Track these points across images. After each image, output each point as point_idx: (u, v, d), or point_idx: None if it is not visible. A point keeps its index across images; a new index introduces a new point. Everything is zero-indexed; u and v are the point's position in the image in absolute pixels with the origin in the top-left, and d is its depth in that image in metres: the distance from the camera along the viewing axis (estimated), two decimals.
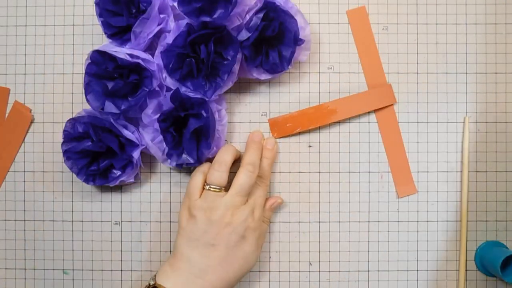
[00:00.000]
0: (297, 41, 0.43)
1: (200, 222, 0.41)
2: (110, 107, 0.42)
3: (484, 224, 0.47)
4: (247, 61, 0.43)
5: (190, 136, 0.42)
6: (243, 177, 0.42)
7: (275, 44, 0.43)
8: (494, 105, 0.47)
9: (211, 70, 0.42)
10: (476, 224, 0.47)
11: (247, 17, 0.43)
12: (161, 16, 0.42)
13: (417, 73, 0.47)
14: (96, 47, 0.42)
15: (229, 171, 0.43)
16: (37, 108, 0.47)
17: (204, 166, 0.44)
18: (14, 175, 0.47)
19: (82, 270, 0.47)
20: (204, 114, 0.42)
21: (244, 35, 0.42)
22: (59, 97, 0.47)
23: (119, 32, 0.43)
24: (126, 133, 0.43)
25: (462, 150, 0.47)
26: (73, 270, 0.47)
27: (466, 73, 0.47)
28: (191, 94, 0.42)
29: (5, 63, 0.47)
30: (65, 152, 0.43)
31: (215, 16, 0.42)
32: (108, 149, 0.43)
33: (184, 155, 0.43)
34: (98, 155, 0.43)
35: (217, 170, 0.42)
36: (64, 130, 0.43)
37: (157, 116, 0.42)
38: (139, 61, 0.41)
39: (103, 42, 0.47)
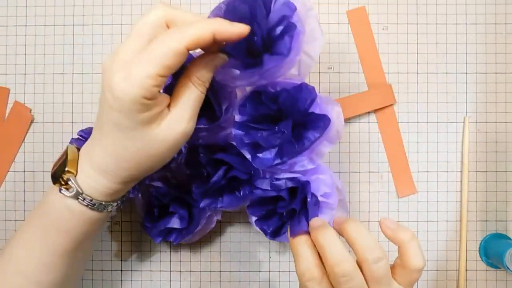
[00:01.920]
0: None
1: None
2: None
3: (484, 224, 0.47)
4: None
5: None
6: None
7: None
8: (494, 105, 0.47)
9: None
10: (476, 224, 0.47)
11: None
12: None
13: (417, 73, 0.47)
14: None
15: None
16: (37, 108, 0.47)
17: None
18: (14, 175, 0.47)
19: None
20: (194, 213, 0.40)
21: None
22: (59, 97, 0.47)
23: None
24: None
25: (462, 150, 0.47)
26: None
27: (466, 73, 0.47)
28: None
29: (5, 63, 0.47)
30: None
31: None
32: None
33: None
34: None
35: None
36: (80, 131, 0.43)
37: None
38: None
39: (103, 42, 0.47)
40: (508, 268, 0.42)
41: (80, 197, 0.33)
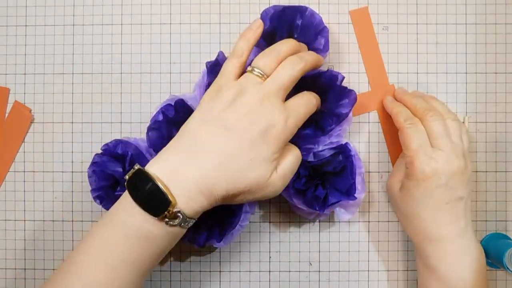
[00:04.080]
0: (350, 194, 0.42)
1: (223, 100, 0.35)
2: None
3: (484, 224, 0.47)
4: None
5: (210, 222, 0.42)
6: (288, 67, 0.36)
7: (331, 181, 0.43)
8: (494, 105, 0.47)
9: None
10: (476, 224, 0.47)
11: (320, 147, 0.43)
12: None
13: (417, 73, 0.47)
14: (186, 97, 0.42)
15: (280, 62, 0.37)
16: (37, 108, 0.47)
17: (242, 51, 0.38)
18: (14, 175, 0.47)
19: None
20: (233, 208, 0.42)
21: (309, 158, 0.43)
22: (59, 97, 0.47)
23: None
24: None
25: None
26: None
27: (466, 73, 0.47)
28: None
29: (5, 63, 0.47)
30: (94, 164, 0.42)
31: None
32: None
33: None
34: (118, 182, 0.43)
35: (268, 56, 0.37)
36: (105, 144, 0.43)
37: None
38: None
39: (103, 42, 0.47)
40: (508, 268, 0.42)
41: (184, 224, 0.34)
